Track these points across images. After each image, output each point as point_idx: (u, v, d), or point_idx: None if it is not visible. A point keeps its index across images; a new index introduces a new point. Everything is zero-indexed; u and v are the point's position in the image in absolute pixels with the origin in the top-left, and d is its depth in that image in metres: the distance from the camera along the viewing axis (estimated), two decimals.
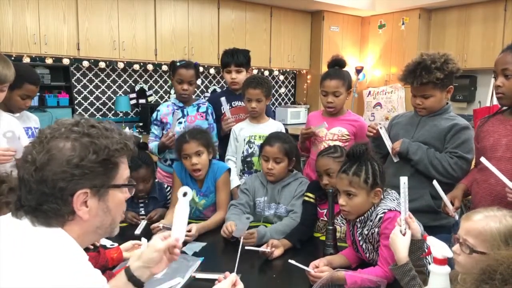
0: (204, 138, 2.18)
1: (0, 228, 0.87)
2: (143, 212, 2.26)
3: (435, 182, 1.72)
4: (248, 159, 2.47)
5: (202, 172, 2.18)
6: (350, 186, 1.56)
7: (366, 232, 1.59)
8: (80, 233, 0.91)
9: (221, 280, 1.17)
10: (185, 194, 1.21)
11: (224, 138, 2.62)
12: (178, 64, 2.58)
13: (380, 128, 2.05)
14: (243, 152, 2.49)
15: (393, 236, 1.39)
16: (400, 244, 1.35)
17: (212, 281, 1.44)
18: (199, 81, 5.88)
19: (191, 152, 2.13)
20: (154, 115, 2.66)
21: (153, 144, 2.59)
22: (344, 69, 2.41)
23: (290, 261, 1.54)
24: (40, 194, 0.86)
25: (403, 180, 1.41)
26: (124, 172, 0.97)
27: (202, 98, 2.92)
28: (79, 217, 0.89)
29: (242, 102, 2.61)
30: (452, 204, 1.79)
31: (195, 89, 5.73)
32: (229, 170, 2.31)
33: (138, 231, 2.00)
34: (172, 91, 5.47)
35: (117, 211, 0.98)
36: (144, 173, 2.21)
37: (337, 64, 2.37)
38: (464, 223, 1.18)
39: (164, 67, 5.36)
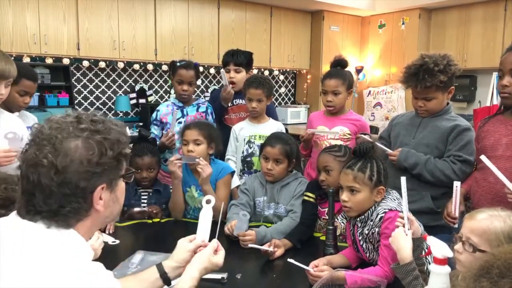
0: (207, 130, 2.17)
1: (11, 230, 0.86)
2: (145, 205, 2.27)
3: (457, 183, 1.68)
4: (248, 159, 2.48)
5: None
6: (355, 182, 1.56)
7: (366, 232, 1.59)
8: (90, 226, 0.94)
9: (204, 245, 1.25)
10: (208, 202, 1.37)
11: (224, 138, 2.62)
12: (178, 64, 2.57)
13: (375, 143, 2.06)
14: (243, 152, 2.49)
15: (396, 235, 1.38)
16: (404, 243, 1.35)
17: (212, 281, 1.44)
18: (199, 81, 5.88)
19: (190, 139, 2.14)
20: (154, 115, 2.66)
21: None
22: (345, 69, 2.41)
23: (289, 260, 1.54)
24: (61, 196, 0.86)
25: (403, 180, 1.42)
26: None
27: (202, 98, 2.92)
28: (95, 211, 0.92)
29: (243, 100, 2.61)
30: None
31: (195, 89, 5.69)
32: (232, 173, 2.31)
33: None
34: (172, 91, 5.47)
35: (122, 198, 1.02)
36: (149, 161, 2.28)
37: (339, 64, 2.39)
38: (468, 221, 1.18)
39: (164, 67, 5.36)
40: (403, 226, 1.39)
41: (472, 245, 1.13)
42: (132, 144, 2.54)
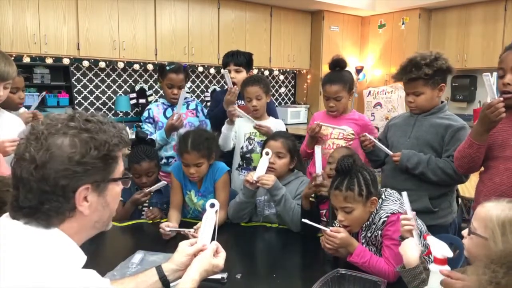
0: (206, 148, 2.09)
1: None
2: (146, 205, 2.28)
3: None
4: (248, 155, 2.48)
5: (199, 178, 2.16)
6: (346, 202, 1.56)
7: (369, 235, 1.60)
8: (78, 229, 0.90)
9: (204, 249, 1.24)
10: (212, 205, 1.35)
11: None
12: (168, 68, 2.59)
13: (374, 139, 2.07)
14: (242, 148, 2.49)
15: (405, 245, 1.38)
16: (410, 247, 1.36)
17: (212, 281, 1.44)
18: (199, 81, 5.88)
19: (191, 163, 2.08)
20: (146, 113, 2.67)
21: (156, 133, 2.57)
22: (345, 69, 2.38)
23: (304, 220, 1.61)
24: (40, 192, 0.84)
25: (405, 194, 1.46)
26: (121, 165, 0.97)
27: (187, 93, 2.92)
28: (79, 213, 0.89)
29: (244, 102, 2.61)
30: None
31: (195, 89, 5.70)
32: (228, 171, 2.30)
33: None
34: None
35: (114, 204, 0.98)
36: (147, 166, 2.27)
37: (338, 65, 2.33)
38: (478, 208, 1.23)
39: None
40: (411, 232, 1.41)
41: (470, 228, 1.19)
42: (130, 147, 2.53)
